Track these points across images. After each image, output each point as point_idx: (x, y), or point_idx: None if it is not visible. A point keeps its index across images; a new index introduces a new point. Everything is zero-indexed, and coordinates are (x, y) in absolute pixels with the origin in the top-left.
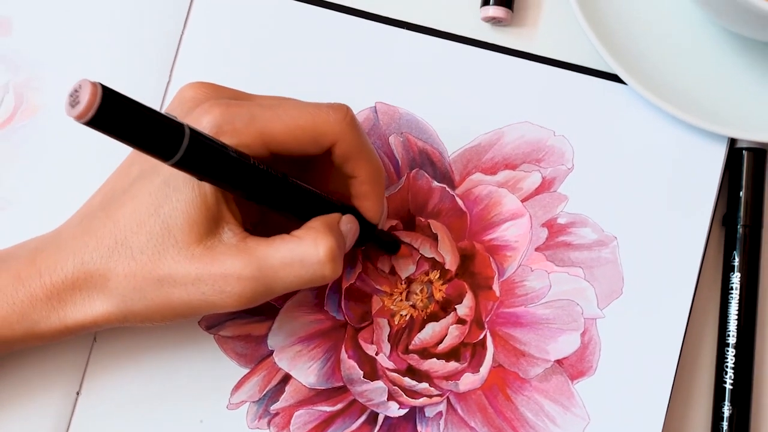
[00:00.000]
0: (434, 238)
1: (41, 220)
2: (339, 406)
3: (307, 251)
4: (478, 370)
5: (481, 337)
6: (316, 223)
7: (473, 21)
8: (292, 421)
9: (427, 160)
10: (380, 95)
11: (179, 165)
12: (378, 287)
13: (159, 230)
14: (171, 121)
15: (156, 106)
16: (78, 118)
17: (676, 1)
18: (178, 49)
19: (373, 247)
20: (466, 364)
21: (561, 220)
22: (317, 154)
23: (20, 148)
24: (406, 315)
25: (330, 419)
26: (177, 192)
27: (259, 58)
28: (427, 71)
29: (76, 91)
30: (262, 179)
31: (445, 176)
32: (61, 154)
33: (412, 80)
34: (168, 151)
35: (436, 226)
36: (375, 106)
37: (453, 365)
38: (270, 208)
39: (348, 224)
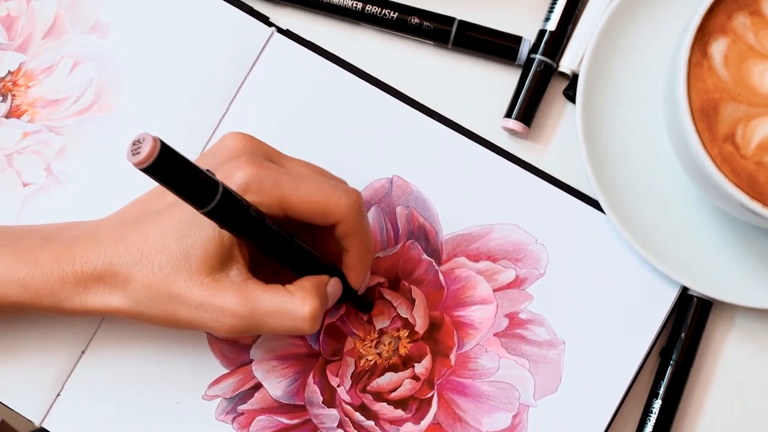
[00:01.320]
0: (412, 302)
1: (91, 200)
2: (295, 421)
3: (294, 307)
4: (419, 423)
5: (429, 395)
6: (307, 284)
7: (495, 127)
8: (253, 423)
9: (423, 235)
10: (399, 169)
11: (208, 215)
12: (354, 331)
13: (179, 255)
14: (210, 179)
15: (204, 139)
16: (136, 165)
17: (669, 160)
18: (236, 93)
19: (351, 304)
20: (410, 415)
21: (522, 316)
22: (323, 226)
23: (89, 135)
24: (371, 360)
25: (284, 430)
26: (201, 229)
27: (301, 118)
28: (444, 159)
29: (139, 141)
30: (272, 237)
31: (435, 253)
32: (120, 149)
33: (429, 163)
34: (202, 203)
35: (416, 292)
36: (392, 178)
37: (399, 413)
38: (271, 258)
39: (333, 287)
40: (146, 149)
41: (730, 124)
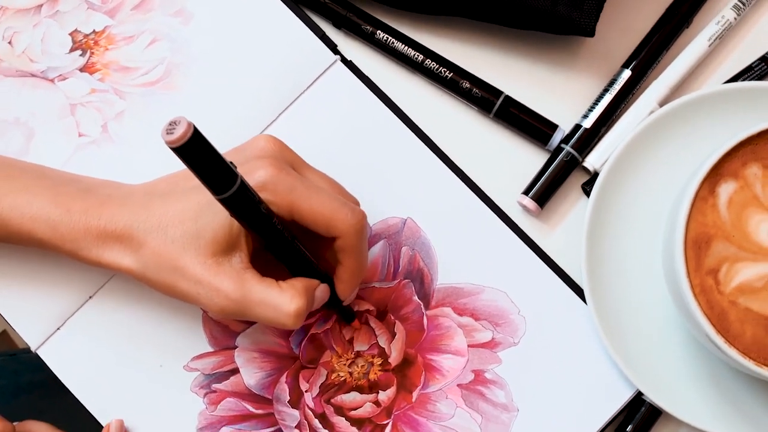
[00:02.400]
0: (393, 335)
1: (133, 165)
2: (259, 412)
3: (282, 302)
4: None
5: (384, 422)
6: (299, 284)
7: (511, 199)
8: (222, 402)
9: (420, 278)
10: (414, 213)
11: (222, 202)
12: (334, 346)
13: (191, 233)
14: (231, 171)
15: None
16: (168, 143)
17: (658, 278)
18: (285, 109)
19: (334, 311)
20: None
21: (487, 375)
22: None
23: (148, 107)
24: (342, 376)
25: (248, 416)
26: (215, 214)
27: (337, 143)
28: (457, 215)
29: (175, 123)
30: (275, 235)
31: (425, 297)
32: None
33: (443, 216)
34: (219, 190)
35: (399, 327)
36: (406, 220)
37: (353, 430)
38: (272, 254)
39: (321, 292)
40: (180, 131)
41: (717, 260)
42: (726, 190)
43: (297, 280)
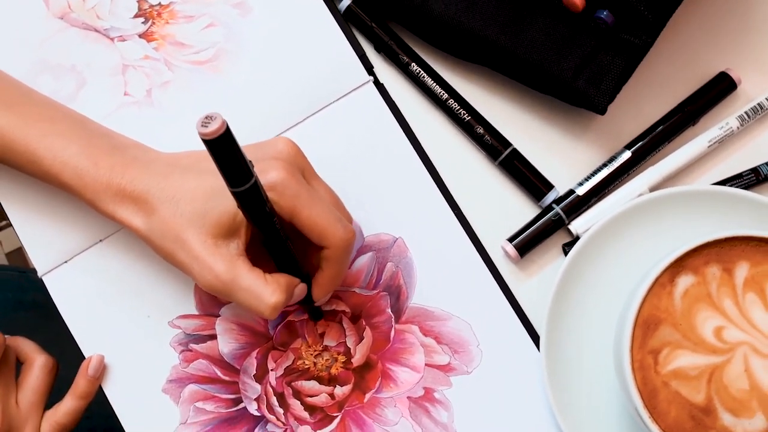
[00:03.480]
0: (361, 339)
1: (165, 133)
2: (225, 378)
3: (264, 293)
4: (315, 431)
5: (335, 414)
6: (282, 280)
7: (496, 242)
8: (194, 362)
9: (396, 294)
10: (405, 234)
11: (234, 195)
12: (306, 336)
13: (199, 212)
14: (248, 170)
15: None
16: (201, 135)
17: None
18: (309, 116)
19: (306, 308)
20: (312, 421)
21: (436, 395)
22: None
23: (192, 83)
24: (306, 365)
25: (215, 380)
26: (225, 200)
27: (348, 157)
28: (442, 246)
29: (210, 117)
30: (272, 233)
31: (398, 311)
32: (205, 105)
33: (431, 242)
34: (234, 184)
35: (367, 333)
36: (396, 239)
37: (305, 415)
38: (265, 247)
39: (300, 290)
40: (214, 126)
41: (661, 343)
42: (684, 282)
43: (281, 276)
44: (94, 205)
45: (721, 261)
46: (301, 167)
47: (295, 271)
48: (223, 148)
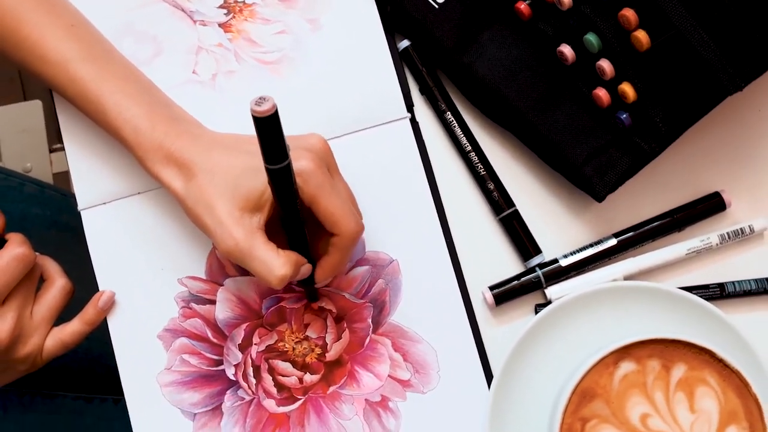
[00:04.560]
0: (339, 338)
1: (217, 113)
2: (214, 340)
3: (275, 265)
4: (279, 407)
5: (299, 397)
6: (293, 257)
7: (480, 286)
8: (190, 320)
9: (380, 308)
10: (401, 258)
11: (268, 171)
12: (293, 323)
13: (232, 185)
14: (285, 151)
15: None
16: (254, 112)
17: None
18: (338, 137)
19: (305, 289)
20: (279, 397)
21: (390, 404)
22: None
23: (253, 78)
24: (286, 348)
25: (204, 339)
26: (256, 179)
27: (365, 180)
28: (432, 278)
29: (263, 99)
30: (292, 213)
31: (377, 323)
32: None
33: (422, 271)
34: (272, 161)
35: (346, 335)
36: (393, 261)
37: (273, 390)
38: (282, 226)
39: (305, 269)
40: (266, 106)
41: (592, 414)
42: (626, 367)
43: (292, 253)
44: (143, 163)
45: (663, 358)
46: (327, 162)
47: (305, 252)
48: (269, 127)
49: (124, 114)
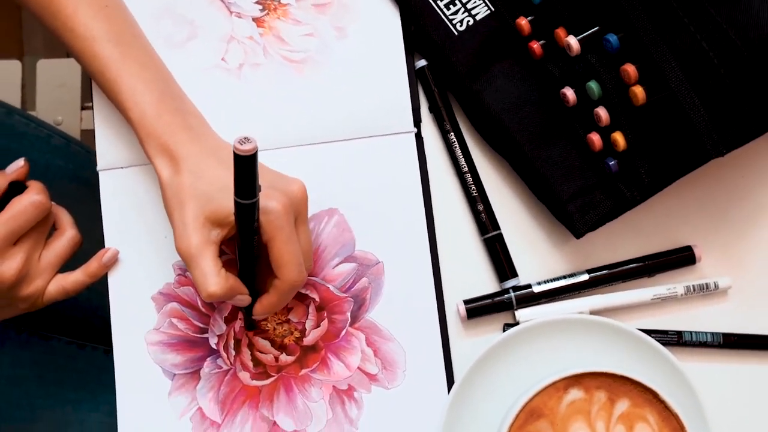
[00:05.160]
0: (318, 326)
1: (235, 105)
2: (203, 310)
3: (210, 281)
4: (253, 380)
5: (272, 374)
6: (231, 282)
7: (454, 299)
8: (184, 287)
9: (360, 303)
10: (387, 261)
11: (235, 204)
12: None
13: (209, 195)
14: (255, 191)
15: (294, 141)
16: (235, 150)
17: None
18: (340, 140)
19: (244, 314)
20: (254, 372)
21: (355, 394)
22: None
23: (276, 73)
24: (268, 327)
25: (194, 307)
26: (231, 199)
27: (353, 189)
28: (412, 283)
29: (247, 139)
30: (247, 246)
31: (354, 317)
32: (277, 97)
33: (404, 277)
34: (240, 195)
35: (324, 324)
36: (379, 263)
37: (250, 364)
38: (238, 254)
39: (241, 300)
40: (248, 146)
41: (536, 431)
42: (575, 394)
43: (233, 279)
44: (142, 143)
45: (610, 391)
46: (297, 211)
47: (250, 283)
48: (247, 166)
49: (135, 97)
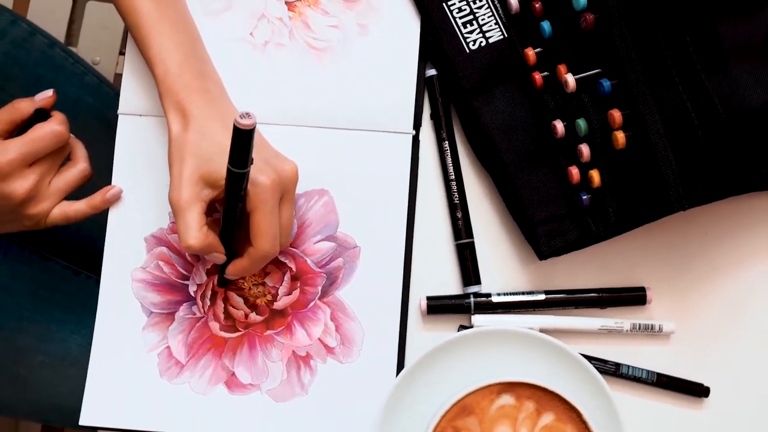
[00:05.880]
0: (290, 293)
1: (257, 75)
2: (188, 258)
3: (190, 233)
4: (220, 331)
5: (240, 329)
6: (210, 239)
7: (418, 294)
8: (174, 234)
9: (332, 280)
10: (364, 247)
11: (228, 170)
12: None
13: (208, 156)
14: (248, 162)
15: (299, 120)
16: (236, 123)
17: None
18: (340, 129)
19: (219, 270)
20: (224, 323)
21: (311, 361)
22: None
23: (298, 57)
24: (244, 286)
25: (181, 255)
26: (225, 164)
27: (354, 175)
28: (382, 270)
29: (248, 114)
30: (231, 210)
31: (324, 292)
32: (298, 78)
33: (376, 263)
34: (234, 164)
35: (296, 293)
36: (356, 247)
37: (222, 316)
38: (222, 216)
39: (216, 256)
40: (248, 121)
41: (464, 426)
42: (506, 399)
43: (211, 236)
44: (160, 97)
45: (539, 403)
46: (285, 189)
47: (228, 244)
48: (244, 139)
49: (162, 54)
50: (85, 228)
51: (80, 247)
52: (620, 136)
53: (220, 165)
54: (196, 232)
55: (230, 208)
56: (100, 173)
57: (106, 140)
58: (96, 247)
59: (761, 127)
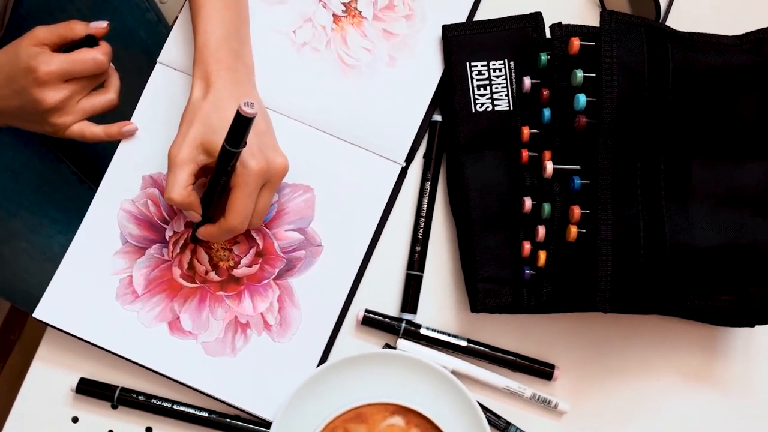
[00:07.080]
0: (251, 266)
1: (286, 74)
2: (174, 207)
3: (176, 188)
4: (180, 277)
5: (197, 282)
6: (191, 199)
7: (361, 306)
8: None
9: (289, 267)
10: (327, 248)
11: (222, 146)
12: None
13: (214, 128)
14: (241, 144)
15: (306, 119)
16: (239, 110)
17: None
18: (349, 142)
19: (193, 227)
20: (185, 273)
21: (248, 330)
22: None
23: (329, 65)
24: (213, 247)
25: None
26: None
27: (339, 183)
28: (338, 274)
29: (252, 104)
30: (217, 180)
31: (280, 275)
32: (321, 84)
33: (330, 268)
34: (229, 143)
35: (255, 267)
36: (320, 246)
37: (185, 265)
38: (208, 182)
39: (193, 215)
40: (250, 110)
41: (353, 430)
42: (397, 420)
43: (194, 196)
44: (194, 63)
45: (422, 428)
46: (269, 179)
47: (205, 208)
48: (243, 125)
49: (206, 26)
50: (101, 145)
51: (92, 160)
52: (573, 231)
53: (221, 138)
54: (181, 189)
55: (216, 178)
56: (131, 104)
57: (145, 76)
58: (105, 165)
59: (699, 267)
